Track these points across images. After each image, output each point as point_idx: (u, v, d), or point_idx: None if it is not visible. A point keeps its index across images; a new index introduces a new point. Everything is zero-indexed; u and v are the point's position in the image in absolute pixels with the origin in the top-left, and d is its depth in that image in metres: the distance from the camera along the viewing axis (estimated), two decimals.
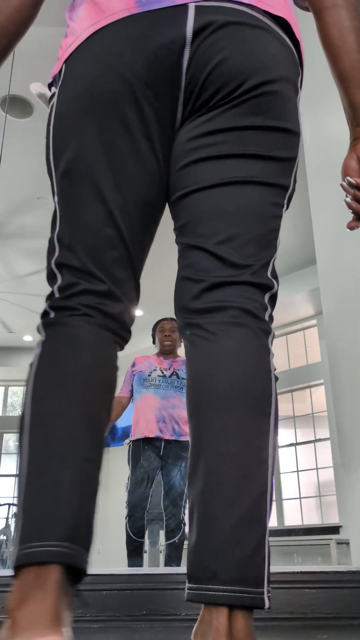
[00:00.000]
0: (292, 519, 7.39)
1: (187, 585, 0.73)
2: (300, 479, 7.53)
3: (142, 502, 3.10)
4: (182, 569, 1.90)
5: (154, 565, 3.67)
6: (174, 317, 3.72)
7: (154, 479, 3.15)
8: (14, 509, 7.50)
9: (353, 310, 2.32)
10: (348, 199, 0.94)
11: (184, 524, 3.09)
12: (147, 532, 3.66)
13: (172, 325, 3.52)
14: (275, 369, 0.83)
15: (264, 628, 1.36)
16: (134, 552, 3.10)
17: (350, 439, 2.28)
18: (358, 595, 1.45)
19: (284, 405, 8.03)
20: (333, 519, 6.90)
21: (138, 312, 8.28)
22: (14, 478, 9.51)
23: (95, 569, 1.80)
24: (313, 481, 7.38)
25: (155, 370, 3.29)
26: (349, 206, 0.93)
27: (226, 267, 0.80)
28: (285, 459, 7.78)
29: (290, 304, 7.36)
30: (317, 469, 7.35)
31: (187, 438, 3.21)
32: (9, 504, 7.52)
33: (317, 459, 7.38)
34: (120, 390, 3.40)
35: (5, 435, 9.76)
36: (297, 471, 7.60)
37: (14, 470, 9.58)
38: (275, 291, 0.87)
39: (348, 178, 0.94)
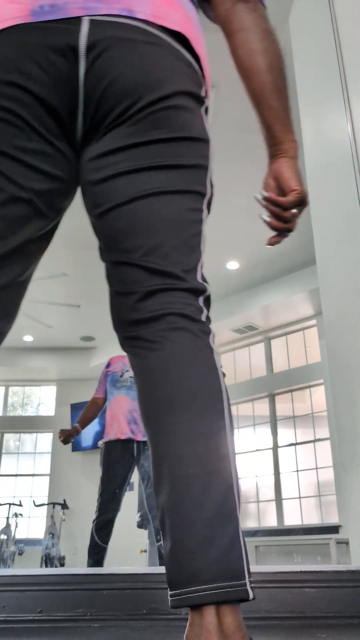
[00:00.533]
0: (292, 519, 7.39)
1: (169, 592, 0.73)
2: (300, 479, 7.53)
3: (114, 504, 3.07)
4: None
5: (154, 565, 3.67)
6: None
7: (126, 481, 3.13)
8: (14, 509, 7.51)
9: (353, 310, 2.32)
10: (265, 216, 0.97)
11: None
12: (147, 532, 3.66)
13: None
14: (221, 366, 0.83)
15: (264, 627, 1.36)
16: (98, 562, 3.03)
17: (350, 439, 2.28)
18: (358, 595, 1.45)
19: (284, 405, 8.03)
20: (333, 519, 6.91)
21: None
22: (14, 478, 9.51)
23: (95, 569, 1.80)
24: (313, 481, 7.39)
25: (128, 371, 3.28)
26: (267, 223, 0.97)
27: (156, 277, 0.82)
28: (285, 459, 7.78)
29: (290, 304, 7.36)
30: (317, 468, 7.35)
31: None
32: (9, 504, 7.52)
33: (317, 459, 7.38)
34: (96, 391, 3.40)
35: (5, 435, 9.76)
36: (297, 471, 7.60)
37: (14, 470, 9.58)
38: (208, 294, 0.88)
39: (262, 192, 0.97)
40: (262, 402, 8.23)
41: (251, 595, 0.72)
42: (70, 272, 7.06)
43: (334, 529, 6.64)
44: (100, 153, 0.83)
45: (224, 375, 0.83)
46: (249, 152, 4.98)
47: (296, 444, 7.72)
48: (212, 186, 0.92)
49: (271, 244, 1.00)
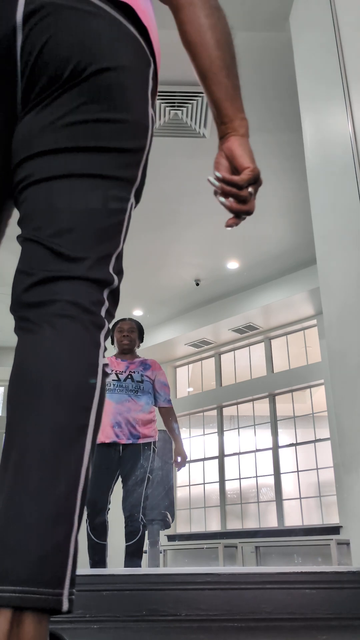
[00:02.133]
0: (293, 519, 7.39)
1: None
2: (301, 479, 7.52)
3: (102, 505, 3.06)
4: (183, 569, 1.89)
5: (154, 565, 3.66)
6: (131, 318, 3.64)
7: (113, 483, 3.13)
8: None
9: (353, 310, 2.31)
10: (222, 199, 0.93)
11: (142, 523, 3.09)
12: (147, 532, 3.65)
13: (131, 325, 3.51)
14: (106, 364, 0.78)
15: (264, 629, 1.35)
16: (100, 563, 3.01)
17: (350, 439, 2.27)
18: (358, 596, 1.44)
19: (284, 406, 8.03)
20: (333, 519, 6.90)
21: (138, 312, 8.27)
22: None
23: (95, 569, 1.79)
24: (313, 481, 7.38)
25: (110, 373, 3.27)
26: (224, 205, 0.93)
27: (60, 261, 0.77)
28: (286, 459, 7.77)
29: (290, 304, 7.36)
30: (317, 469, 7.35)
31: (147, 440, 3.17)
32: None
33: (317, 459, 7.37)
34: None
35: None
36: (297, 471, 7.60)
37: None
38: (115, 287, 0.82)
39: (215, 172, 0.93)
40: (262, 402, 8.22)
41: (65, 607, 0.64)
42: None
43: (335, 530, 6.63)
44: (31, 127, 0.81)
45: (105, 374, 0.78)
46: None
47: (296, 444, 7.71)
48: (143, 175, 0.88)
49: (229, 225, 0.95)
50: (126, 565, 3.04)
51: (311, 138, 2.91)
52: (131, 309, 8.15)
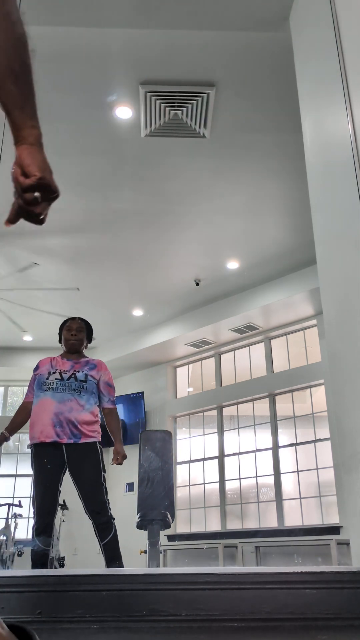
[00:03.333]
0: (292, 519, 7.39)
1: None
2: (301, 479, 7.52)
3: (50, 507, 3.02)
4: (183, 569, 1.89)
5: (154, 565, 3.66)
6: (81, 318, 3.59)
7: (59, 483, 3.09)
8: (13, 509, 7.50)
9: (353, 310, 2.31)
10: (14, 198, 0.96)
11: (112, 519, 3.03)
12: (147, 532, 3.65)
13: (79, 324, 3.46)
14: None
15: (264, 629, 1.35)
16: (43, 566, 2.96)
17: (350, 439, 2.27)
18: (358, 596, 1.44)
19: (284, 405, 8.03)
20: (333, 519, 6.90)
21: (138, 312, 8.27)
22: (13, 478, 9.50)
23: (95, 569, 1.79)
24: (313, 481, 7.38)
25: (54, 372, 3.24)
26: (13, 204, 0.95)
27: None
28: (286, 459, 7.77)
29: (290, 304, 7.36)
30: (317, 469, 7.35)
31: (90, 439, 3.10)
32: (9, 504, 7.51)
33: (317, 459, 7.37)
34: (26, 395, 3.34)
35: None
36: (297, 471, 7.59)
37: (13, 470, 9.57)
38: None
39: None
40: (262, 402, 8.22)
41: None
42: (72, 275, 7.06)
43: (335, 530, 6.63)
44: None
45: None
46: (249, 152, 4.98)
47: (296, 444, 7.71)
48: None
49: (6, 221, 0.97)
50: (107, 567, 3.00)
51: (311, 138, 2.91)
52: (131, 309, 8.15)
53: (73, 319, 3.51)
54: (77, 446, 3.08)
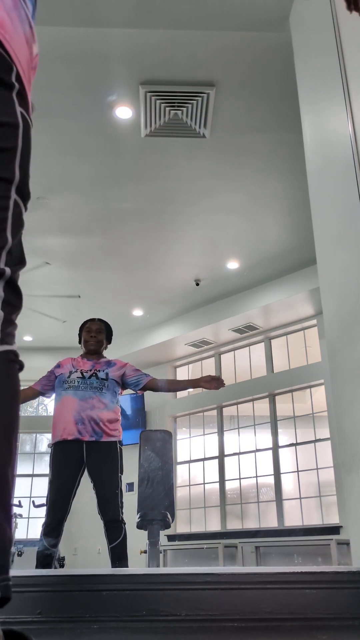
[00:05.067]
0: (292, 519, 7.39)
1: None
2: (301, 479, 7.52)
3: (63, 506, 3.01)
4: (183, 569, 1.89)
5: (154, 565, 3.66)
6: (100, 319, 3.56)
7: (77, 482, 3.09)
8: (13, 509, 7.52)
9: (353, 310, 2.32)
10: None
11: (124, 523, 3.02)
12: (147, 532, 3.65)
13: (99, 326, 3.46)
14: (11, 351, 0.85)
15: (264, 629, 1.35)
16: (47, 566, 2.94)
17: (350, 439, 2.27)
18: (358, 596, 1.44)
19: (284, 406, 8.03)
20: (333, 519, 6.90)
21: (138, 312, 8.28)
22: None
23: (95, 569, 1.79)
24: (313, 481, 7.38)
25: (75, 372, 3.27)
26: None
27: None
28: (286, 459, 7.77)
29: (290, 304, 7.35)
30: (317, 469, 7.35)
31: (111, 438, 3.10)
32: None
33: (317, 459, 7.37)
34: (35, 383, 3.36)
35: None
36: (297, 471, 7.59)
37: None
38: (9, 278, 0.86)
39: None
40: (262, 402, 8.22)
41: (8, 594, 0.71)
42: (72, 275, 7.06)
43: (335, 530, 6.63)
44: None
45: (12, 361, 0.81)
46: (249, 152, 4.98)
47: (296, 444, 7.71)
48: (23, 172, 0.91)
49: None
50: (113, 566, 3.00)
51: (311, 138, 2.91)
52: (131, 309, 8.15)
53: (92, 320, 3.51)
54: (98, 444, 3.09)
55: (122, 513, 3.04)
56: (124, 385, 3.33)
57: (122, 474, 3.13)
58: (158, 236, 6.29)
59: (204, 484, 8.55)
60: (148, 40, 3.74)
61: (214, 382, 3.08)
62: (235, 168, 5.10)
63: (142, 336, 8.87)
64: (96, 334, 3.41)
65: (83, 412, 3.12)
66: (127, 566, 3.00)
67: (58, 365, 3.39)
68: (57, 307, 7.81)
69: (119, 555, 2.96)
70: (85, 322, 3.52)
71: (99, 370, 3.28)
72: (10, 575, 0.72)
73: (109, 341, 3.50)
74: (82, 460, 3.09)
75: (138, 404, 9.17)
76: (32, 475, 9.50)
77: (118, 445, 3.16)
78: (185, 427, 9.13)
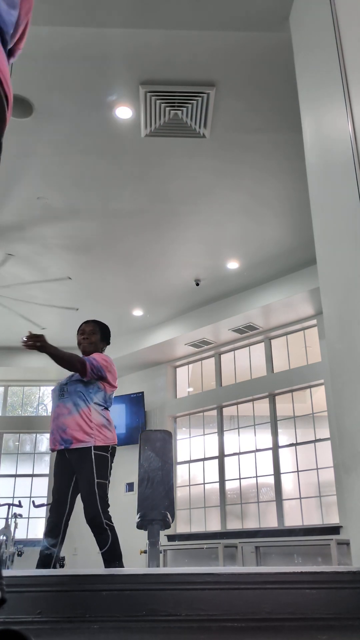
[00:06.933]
0: (292, 519, 7.38)
1: None
2: (301, 479, 7.52)
3: (62, 508, 3.04)
4: (183, 569, 1.89)
5: (154, 565, 3.66)
6: (95, 320, 3.50)
7: (70, 487, 3.09)
8: (13, 509, 7.50)
9: (353, 310, 2.31)
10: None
11: (108, 528, 2.93)
12: (147, 532, 3.65)
13: (92, 327, 3.41)
14: None
15: (264, 629, 1.35)
16: (47, 566, 2.94)
17: (350, 439, 2.27)
18: (358, 596, 1.44)
19: (284, 406, 8.02)
20: (333, 519, 6.90)
21: (138, 312, 8.27)
22: (13, 478, 9.49)
23: (95, 569, 1.79)
24: (313, 481, 7.38)
25: (62, 380, 3.29)
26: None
27: None
28: (286, 459, 7.77)
29: (290, 304, 7.35)
30: (317, 469, 7.34)
31: (81, 444, 3.01)
32: (9, 504, 7.51)
33: (317, 459, 7.37)
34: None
35: (5, 435, 9.76)
36: (297, 471, 7.59)
37: (13, 470, 9.57)
38: None
39: None
40: (262, 402, 8.22)
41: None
42: (72, 275, 7.05)
43: (335, 530, 6.63)
44: None
45: None
46: (249, 151, 4.98)
47: (296, 444, 7.71)
48: None
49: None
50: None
51: (311, 138, 2.91)
52: (131, 309, 8.15)
53: (87, 322, 3.49)
54: (73, 452, 3.07)
55: (105, 518, 2.96)
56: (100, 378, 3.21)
57: (106, 480, 3.05)
58: (158, 236, 6.29)
59: (204, 484, 8.55)
60: (148, 40, 3.74)
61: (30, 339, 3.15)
62: (235, 168, 5.10)
63: (142, 336, 8.87)
64: (88, 336, 3.39)
65: (53, 422, 3.17)
66: (122, 566, 3.00)
67: None
68: (57, 308, 7.81)
69: (109, 561, 2.94)
70: (81, 324, 3.52)
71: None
72: (2, 574, 0.72)
73: (107, 342, 3.45)
74: (70, 466, 3.11)
75: (138, 404, 9.17)
76: (32, 475, 9.50)
77: (92, 450, 3.03)
78: (185, 427, 9.12)
